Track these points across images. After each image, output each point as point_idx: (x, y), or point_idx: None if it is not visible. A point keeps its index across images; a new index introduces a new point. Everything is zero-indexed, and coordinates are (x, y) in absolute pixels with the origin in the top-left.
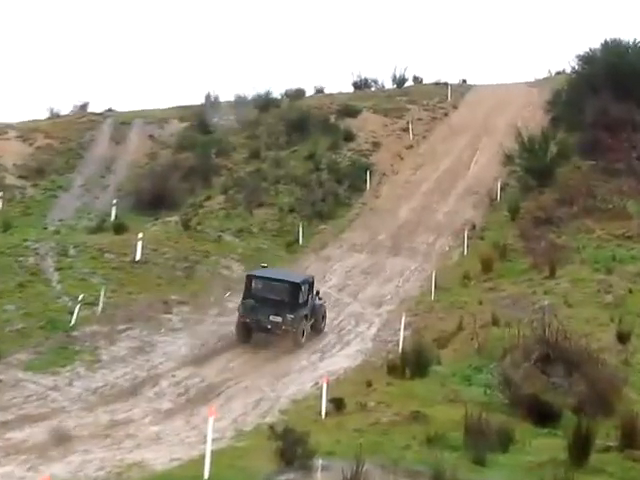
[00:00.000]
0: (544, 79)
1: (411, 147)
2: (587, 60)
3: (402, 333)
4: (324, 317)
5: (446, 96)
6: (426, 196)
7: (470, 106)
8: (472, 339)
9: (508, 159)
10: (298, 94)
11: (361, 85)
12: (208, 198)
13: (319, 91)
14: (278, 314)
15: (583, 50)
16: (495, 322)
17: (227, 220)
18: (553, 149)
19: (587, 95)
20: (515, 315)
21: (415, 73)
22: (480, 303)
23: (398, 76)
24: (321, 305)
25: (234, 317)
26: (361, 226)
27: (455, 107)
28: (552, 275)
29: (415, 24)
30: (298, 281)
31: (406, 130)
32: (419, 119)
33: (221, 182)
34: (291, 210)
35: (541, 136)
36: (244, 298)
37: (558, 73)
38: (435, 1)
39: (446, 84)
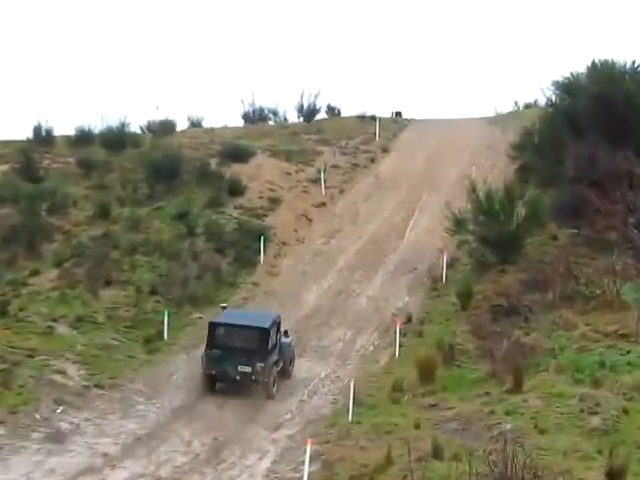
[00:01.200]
0: (509, 114)
1: (323, 205)
2: (568, 89)
3: (306, 468)
4: (292, 360)
5: (373, 135)
6: (343, 274)
7: (407, 149)
8: (405, 477)
9: (458, 225)
10: (165, 128)
11: (254, 118)
12: (35, 273)
13: (195, 124)
14: (247, 363)
15: (562, 75)
16: (438, 454)
17: (61, 304)
18: (520, 212)
19: (568, 137)
20: (465, 444)
21: (331, 102)
22: (417, 427)
23: (306, 106)
24: (289, 345)
25: (67, 445)
26: None
27: (385, 150)
28: (517, 388)
29: (334, 37)
30: (267, 326)
31: (317, 182)
32: (335, 166)
33: (54, 250)
34: (153, 291)
35: (504, 193)
36: (208, 348)
37: (528, 106)
38: (365, 10)
39: (374, 118)
